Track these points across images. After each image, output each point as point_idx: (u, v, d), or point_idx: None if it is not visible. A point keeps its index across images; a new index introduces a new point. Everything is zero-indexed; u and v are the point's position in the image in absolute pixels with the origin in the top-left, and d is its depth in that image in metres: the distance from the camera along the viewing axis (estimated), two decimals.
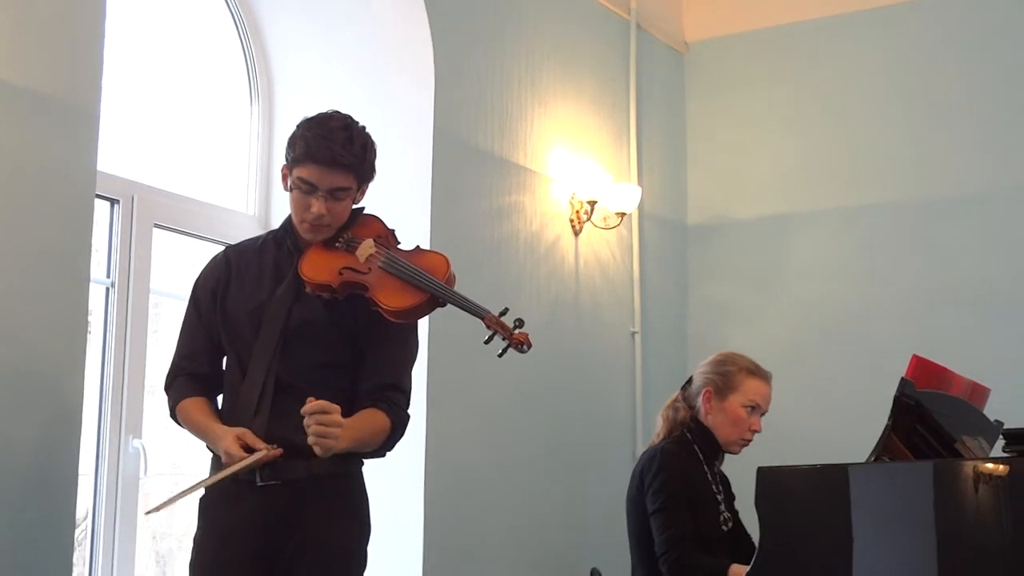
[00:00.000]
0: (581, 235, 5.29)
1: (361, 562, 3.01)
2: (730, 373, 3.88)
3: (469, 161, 4.72)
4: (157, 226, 4.15)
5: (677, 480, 3.74)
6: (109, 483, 3.86)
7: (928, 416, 3.22)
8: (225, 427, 2.89)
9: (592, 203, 5.24)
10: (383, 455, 3.04)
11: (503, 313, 2.96)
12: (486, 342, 2.96)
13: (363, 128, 3.02)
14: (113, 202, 4.01)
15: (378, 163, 4.15)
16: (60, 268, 3.30)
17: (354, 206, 3.06)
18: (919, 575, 2.87)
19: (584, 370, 5.28)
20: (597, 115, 5.55)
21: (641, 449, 5.26)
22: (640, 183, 5.69)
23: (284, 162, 3.02)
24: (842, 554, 2.92)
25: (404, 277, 2.94)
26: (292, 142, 2.98)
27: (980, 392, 3.60)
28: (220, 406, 3.03)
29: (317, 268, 2.96)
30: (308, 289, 2.95)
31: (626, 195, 5.38)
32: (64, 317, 3.30)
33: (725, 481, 4.00)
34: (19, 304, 3.19)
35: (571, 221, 5.25)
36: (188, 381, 3.03)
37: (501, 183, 4.87)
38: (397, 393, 2.98)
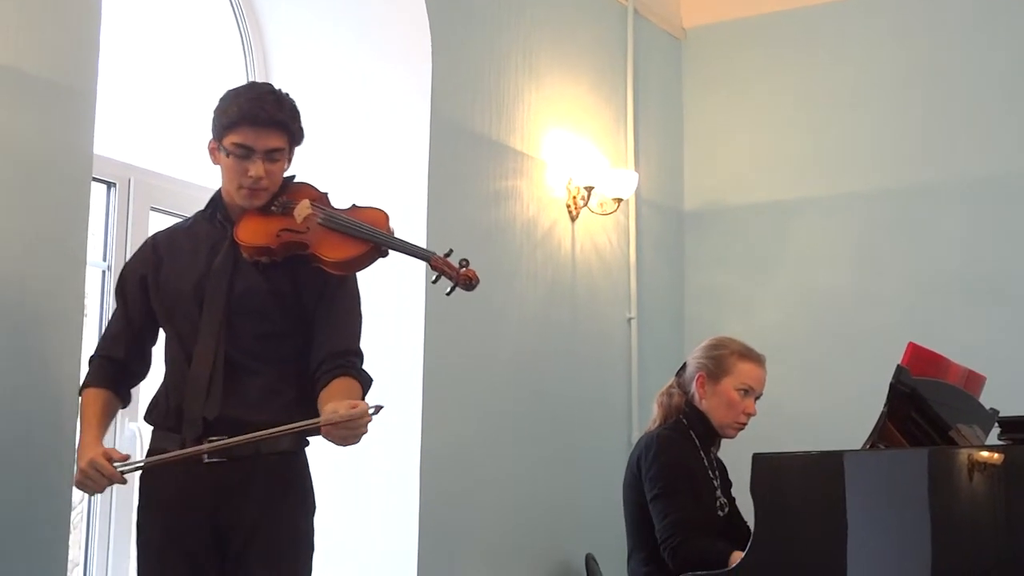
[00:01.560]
0: (578, 221, 5.29)
1: (311, 539, 3.03)
2: (722, 357, 3.88)
3: (466, 146, 4.71)
4: (154, 209, 4.14)
5: (675, 466, 3.75)
6: None
7: (924, 404, 3.23)
8: (95, 443, 2.89)
9: (589, 189, 5.23)
10: None
11: (448, 254, 2.98)
12: (433, 282, 2.99)
13: (287, 93, 3.05)
14: (110, 185, 4.01)
15: (376, 147, 4.17)
16: (56, 251, 3.30)
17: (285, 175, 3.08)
18: (913, 561, 2.88)
19: (580, 356, 5.28)
20: (594, 101, 5.54)
21: (636, 435, 5.26)
22: (637, 169, 5.69)
23: (212, 137, 3.03)
24: (837, 540, 2.93)
25: (344, 230, 2.96)
26: (221, 112, 2.98)
27: (976, 380, 3.61)
28: (160, 386, 3.04)
29: (253, 232, 2.96)
30: (245, 255, 2.96)
31: (623, 181, 5.38)
32: (60, 300, 3.30)
33: (722, 467, 4.00)
34: (15, 287, 3.19)
35: (568, 207, 5.25)
36: (102, 365, 3.05)
37: (498, 168, 4.86)
38: (356, 357, 3.01)
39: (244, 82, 3.06)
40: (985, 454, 2.91)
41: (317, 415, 3.00)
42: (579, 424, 5.22)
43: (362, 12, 4.66)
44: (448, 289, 2.97)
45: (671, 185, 6.12)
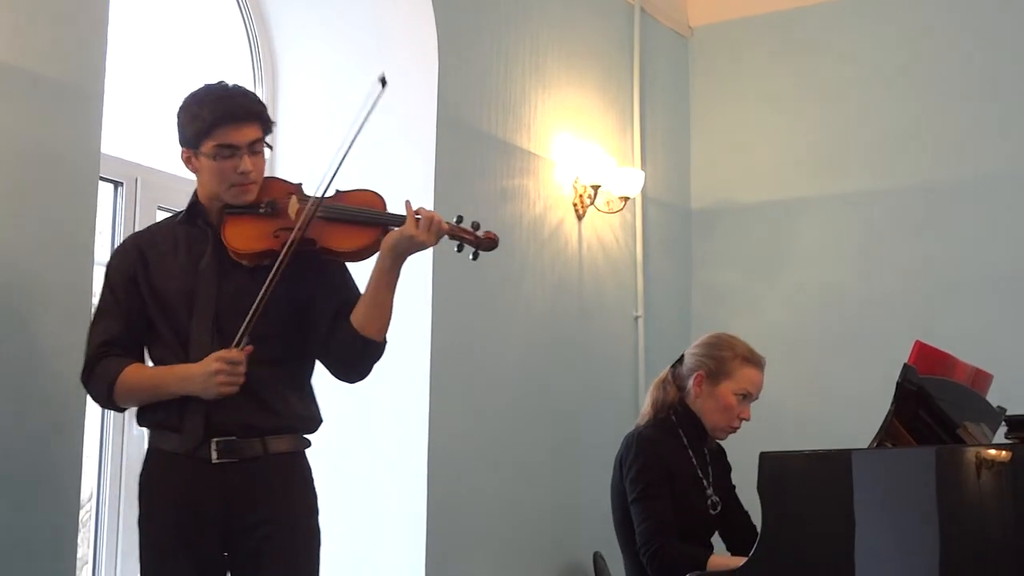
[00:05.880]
0: (584, 219, 5.29)
1: (319, 536, 3.04)
2: (725, 359, 3.80)
3: (473, 144, 4.71)
4: (160, 208, 4.14)
5: (654, 468, 3.69)
6: (113, 464, 3.87)
7: (931, 402, 3.22)
8: (188, 365, 2.88)
9: (595, 187, 5.23)
10: (376, 360, 3.07)
11: (459, 221, 3.00)
12: (458, 251, 3.03)
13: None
14: (117, 184, 4.01)
15: (382, 147, 4.15)
16: (64, 250, 3.31)
17: None
18: (921, 560, 2.88)
19: (587, 354, 5.28)
20: (601, 99, 5.54)
21: None
22: (644, 167, 5.69)
23: (183, 147, 3.02)
24: (844, 539, 2.93)
25: (346, 219, 2.95)
26: (193, 118, 2.96)
27: (983, 378, 3.60)
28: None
29: (249, 238, 2.94)
30: (247, 262, 2.93)
31: (630, 179, 5.38)
32: (68, 299, 3.31)
33: (718, 456, 3.94)
34: (23, 286, 3.20)
35: (575, 205, 5.25)
36: (117, 358, 2.95)
37: (505, 167, 4.87)
38: None
39: (200, 87, 3.03)
40: (992, 452, 2.91)
41: (315, 412, 3.07)
42: (586, 422, 5.22)
43: (369, 12, 4.67)
44: (472, 255, 3.00)
45: (678, 183, 6.12)
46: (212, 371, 2.82)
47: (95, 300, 3.60)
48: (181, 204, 4.20)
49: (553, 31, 5.22)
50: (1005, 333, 5.24)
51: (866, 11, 5.86)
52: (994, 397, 3.61)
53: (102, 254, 3.86)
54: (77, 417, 3.32)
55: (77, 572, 3.33)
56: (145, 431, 3.89)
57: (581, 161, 5.22)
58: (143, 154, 4.15)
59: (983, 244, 5.42)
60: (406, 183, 4.49)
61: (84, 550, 3.73)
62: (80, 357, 3.33)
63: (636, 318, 5.65)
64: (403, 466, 4.36)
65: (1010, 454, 2.86)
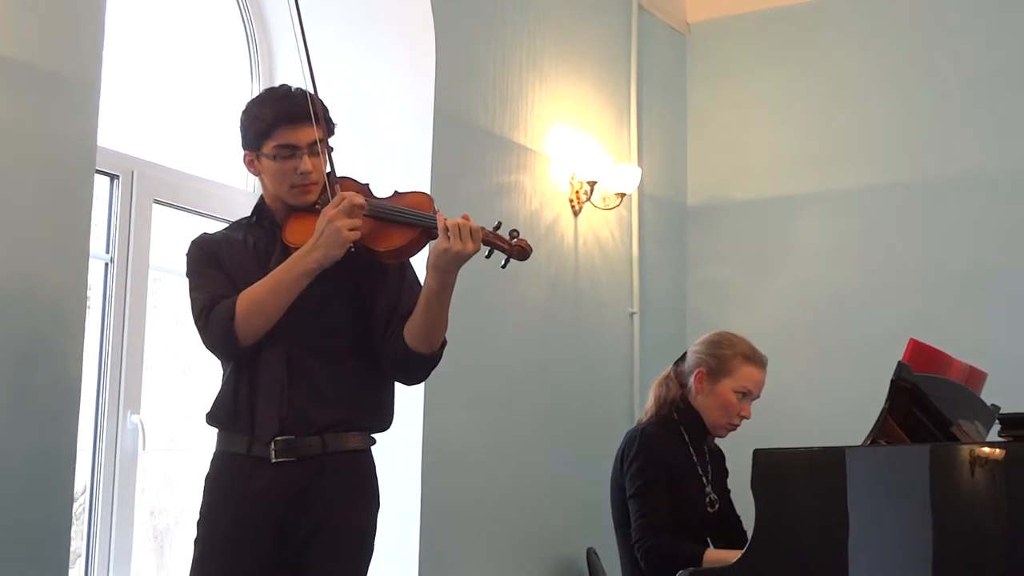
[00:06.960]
0: (581, 215, 5.29)
1: (372, 539, 3.05)
2: (725, 357, 3.82)
3: (469, 140, 4.71)
4: (157, 202, 4.15)
5: (655, 464, 3.70)
6: (107, 458, 3.87)
7: (925, 400, 3.22)
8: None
9: (592, 183, 5.23)
10: (433, 364, 3.08)
11: (497, 227, 2.99)
12: (487, 256, 3.00)
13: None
14: (113, 177, 4.01)
15: (379, 141, 4.15)
16: (60, 243, 3.30)
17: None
18: (915, 558, 2.88)
19: (582, 350, 5.28)
20: (598, 95, 5.54)
21: None
22: (640, 164, 5.69)
23: (245, 150, 3.04)
24: (838, 536, 2.93)
25: (392, 219, 2.97)
26: (253, 120, 3.00)
27: (977, 376, 3.60)
28: (223, 389, 3.01)
29: (303, 233, 2.97)
30: None
31: (626, 175, 5.38)
32: (63, 292, 3.31)
33: (718, 457, 3.96)
34: (18, 279, 3.20)
35: (571, 201, 5.25)
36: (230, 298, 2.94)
37: (501, 162, 4.86)
38: None
39: (259, 91, 3.07)
40: (986, 450, 2.91)
41: (386, 408, 3.09)
42: (581, 419, 5.22)
43: (366, 6, 4.66)
44: (503, 262, 3.00)
45: (674, 180, 6.12)
46: (327, 219, 2.87)
47: (90, 293, 3.61)
48: (177, 198, 4.27)
49: (550, 26, 5.22)
50: (1000, 331, 5.24)
51: (863, 8, 5.86)
52: (988, 395, 3.61)
53: (97, 248, 3.86)
54: (72, 410, 3.31)
55: (70, 565, 3.33)
56: (139, 424, 3.91)
57: (578, 157, 5.21)
58: (140, 147, 4.15)
59: (978, 242, 5.42)
60: (402, 179, 4.48)
61: (77, 543, 3.73)
62: (77, 353, 3.34)
63: (632, 314, 5.64)
64: (398, 461, 4.35)
65: (1003, 452, 2.86)
